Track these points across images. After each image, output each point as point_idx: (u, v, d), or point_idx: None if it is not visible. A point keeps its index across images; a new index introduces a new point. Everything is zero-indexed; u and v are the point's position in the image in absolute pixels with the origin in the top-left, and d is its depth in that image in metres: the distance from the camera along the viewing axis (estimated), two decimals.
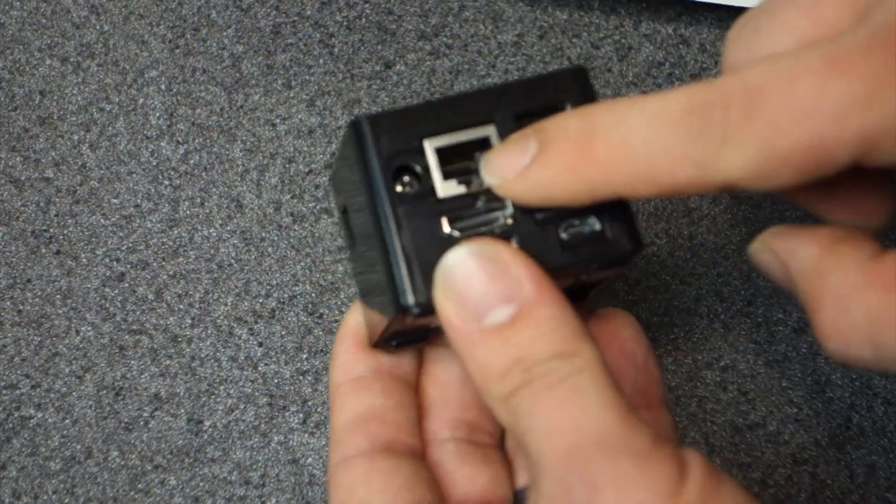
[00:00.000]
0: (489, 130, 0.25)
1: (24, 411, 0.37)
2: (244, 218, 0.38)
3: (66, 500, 0.36)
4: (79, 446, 0.37)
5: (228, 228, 0.38)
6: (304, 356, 0.37)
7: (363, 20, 0.40)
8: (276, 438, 0.36)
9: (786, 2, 0.24)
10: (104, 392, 0.37)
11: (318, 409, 0.37)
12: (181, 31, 0.41)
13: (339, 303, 0.37)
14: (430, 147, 0.25)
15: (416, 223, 0.25)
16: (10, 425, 0.37)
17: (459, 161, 0.25)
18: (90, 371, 0.37)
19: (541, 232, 0.25)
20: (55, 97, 0.40)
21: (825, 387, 0.36)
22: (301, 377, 0.37)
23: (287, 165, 0.39)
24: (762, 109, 0.21)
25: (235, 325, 0.37)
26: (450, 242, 0.24)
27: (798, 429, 0.36)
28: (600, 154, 0.23)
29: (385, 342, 0.29)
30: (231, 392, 0.37)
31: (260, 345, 0.37)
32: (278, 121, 0.39)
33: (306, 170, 0.39)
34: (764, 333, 0.36)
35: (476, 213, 0.25)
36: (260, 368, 0.37)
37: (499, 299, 0.23)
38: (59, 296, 0.38)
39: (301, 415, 0.37)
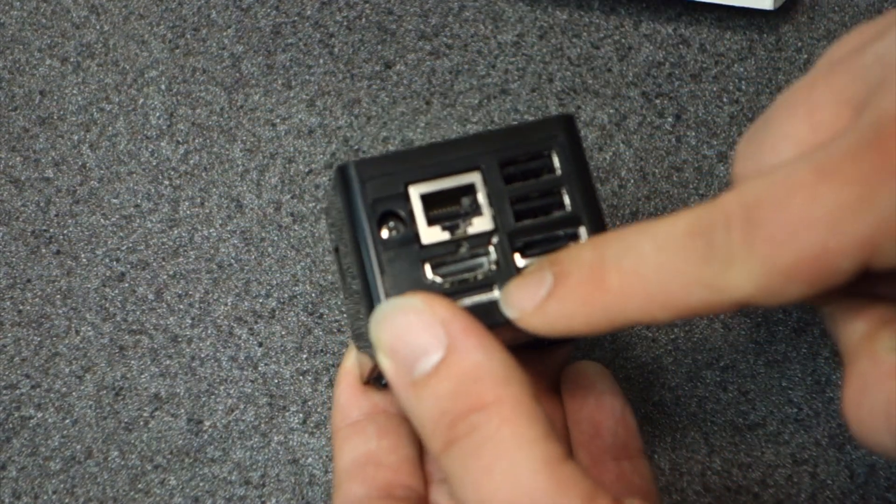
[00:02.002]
0: (474, 177, 0.26)
1: (24, 411, 0.37)
2: (244, 218, 0.38)
3: (66, 500, 0.36)
4: (79, 446, 0.37)
5: (228, 228, 0.38)
6: (304, 356, 0.37)
7: (363, 20, 0.40)
8: (276, 438, 0.36)
9: (784, 111, 0.24)
10: (104, 392, 0.37)
11: (318, 409, 0.37)
12: (181, 31, 0.41)
13: (339, 303, 0.37)
14: (415, 193, 0.25)
15: (399, 268, 0.25)
16: (10, 425, 0.37)
17: (445, 206, 0.26)
18: (90, 371, 0.37)
19: None
20: (55, 97, 0.40)
21: (825, 387, 0.36)
22: (301, 377, 0.37)
23: (287, 165, 0.39)
24: (759, 226, 0.21)
25: (235, 325, 0.37)
26: (432, 288, 0.25)
27: (798, 429, 0.36)
28: (614, 284, 0.23)
29: (375, 381, 0.29)
30: (231, 392, 0.37)
31: (260, 345, 0.37)
32: (278, 121, 0.39)
33: (306, 170, 0.39)
34: (764, 333, 0.36)
35: (459, 259, 0.25)
36: (260, 368, 0.37)
37: (425, 349, 0.23)
38: (59, 296, 0.38)
39: (301, 415, 0.37)
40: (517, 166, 0.26)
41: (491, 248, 0.25)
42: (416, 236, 0.25)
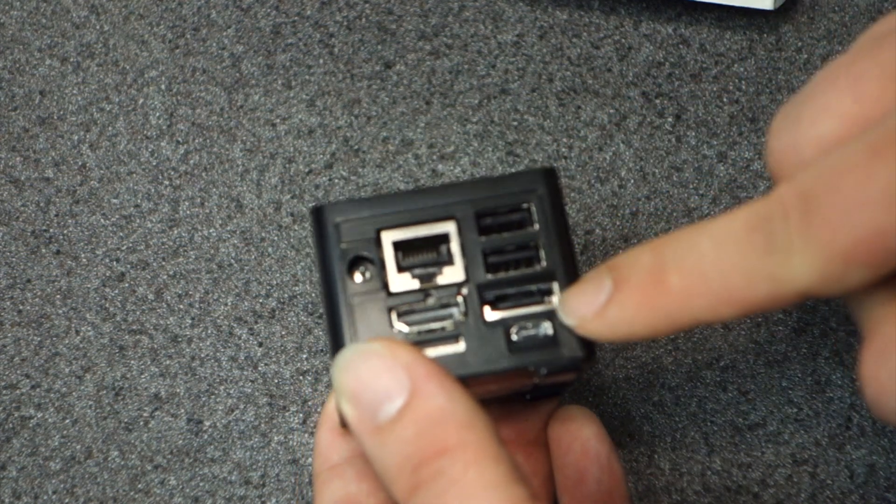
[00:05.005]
0: (449, 227, 0.25)
1: (24, 411, 0.37)
2: (244, 218, 0.38)
3: (66, 500, 0.36)
4: (79, 446, 0.37)
5: (228, 228, 0.38)
6: (304, 356, 0.37)
7: (363, 20, 0.40)
8: (276, 438, 0.36)
9: (826, 84, 0.24)
10: (104, 392, 0.37)
11: (318, 409, 0.37)
12: (181, 31, 0.41)
13: None
14: (387, 239, 0.25)
15: (366, 315, 0.25)
16: (10, 425, 0.37)
17: (421, 254, 0.25)
18: (90, 371, 0.37)
19: (490, 333, 0.25)
20: (55, 97, 0.40)
21: (825, 387, 0.36)
22: (301, 377, 0.37)
23: (287, 165, 0.39)
24: (817, 212, 0.21)
25: (235, 325, 0.37)
26: (398, 337, 0.24)
27: (798, 429, 0.36)
28: (675, 284, 0.23)
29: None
30: (231, 392, 0.37)
31: (260, 345, 0.37)
32: (278, 121, 0.39)
33: (306, 170, 0.39)
34: (764, 333, 0.36)
35: (428, 308, 0.25)
36: (260, 368, 0.37)
37: (388, 393, 0.23)
38: (59, 296, 0.38)
39: (301, 415, 0.37)
40: (494, 218, 0.25)
41: (460, 299, 0.25)
42: (385, 283, 0.25)
